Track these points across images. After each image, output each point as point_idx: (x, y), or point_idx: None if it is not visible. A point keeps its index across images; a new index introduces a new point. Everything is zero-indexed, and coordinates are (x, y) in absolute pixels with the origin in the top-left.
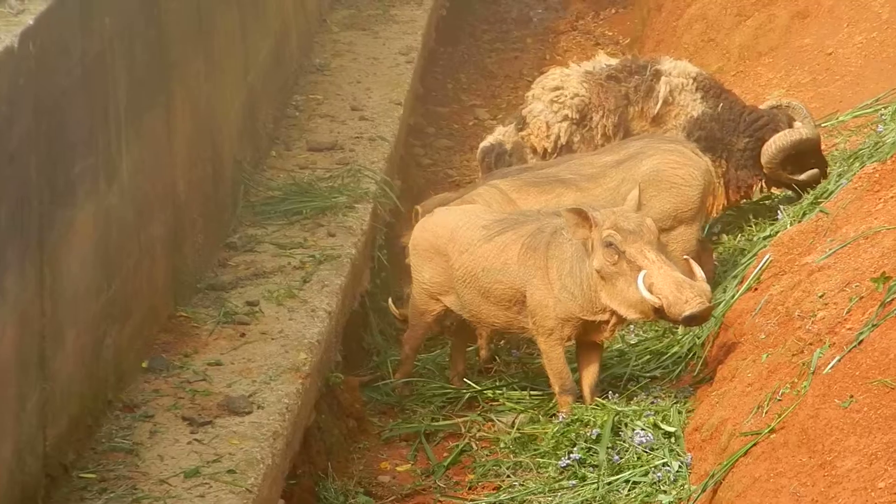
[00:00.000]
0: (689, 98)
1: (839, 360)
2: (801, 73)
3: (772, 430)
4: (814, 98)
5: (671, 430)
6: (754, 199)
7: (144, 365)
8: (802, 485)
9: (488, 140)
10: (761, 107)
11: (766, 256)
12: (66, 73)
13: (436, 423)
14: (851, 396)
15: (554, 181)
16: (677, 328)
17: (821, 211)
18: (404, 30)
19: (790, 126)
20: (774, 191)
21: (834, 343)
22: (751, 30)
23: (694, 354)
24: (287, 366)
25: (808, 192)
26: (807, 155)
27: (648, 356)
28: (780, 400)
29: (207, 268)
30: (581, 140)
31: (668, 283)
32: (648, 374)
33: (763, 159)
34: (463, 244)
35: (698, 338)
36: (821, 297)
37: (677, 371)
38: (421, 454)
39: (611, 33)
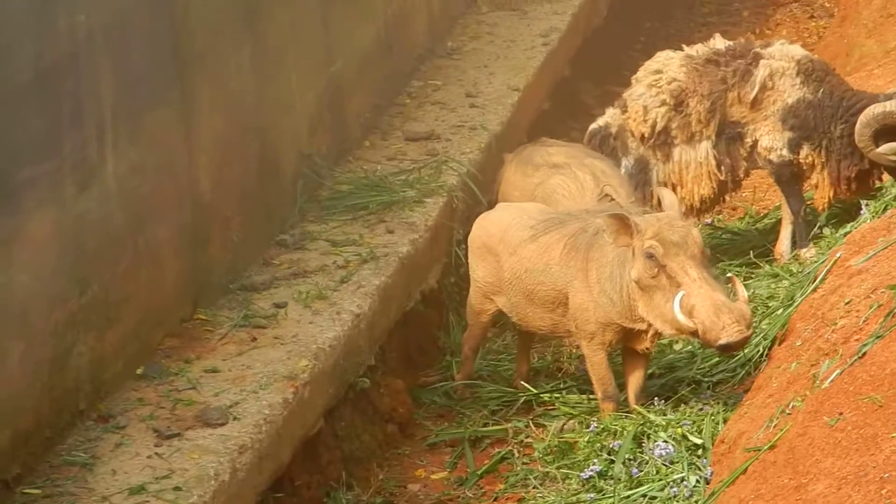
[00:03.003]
0: (789, 83)
1: (840, 374)
2: None
3: (771, 447)
4: None
5: (698, 441)
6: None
7: (139, 371)
8: None
9: (597, 122)
10: (889, 91)
11: (837, 255)
12: (8, 78)
13: (481, 429)
14: (841, 414)
15: None
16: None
17: (892, 206)
18: (555, 9)
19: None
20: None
21: (842, 354)
22: None
23: (762, 357)
24: (283, 373)
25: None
26: None
27: (717, 359)
28: (789, 414)
29: (248, 267)
30: (678, 126)
31: (706, 305)
32: (709, 379)
33: (856, 141)
34: (512, 245)
35: (766, 339)
36: (847, 303)
37: (741, 375)
38: (462, 461)
39: (829, 4)
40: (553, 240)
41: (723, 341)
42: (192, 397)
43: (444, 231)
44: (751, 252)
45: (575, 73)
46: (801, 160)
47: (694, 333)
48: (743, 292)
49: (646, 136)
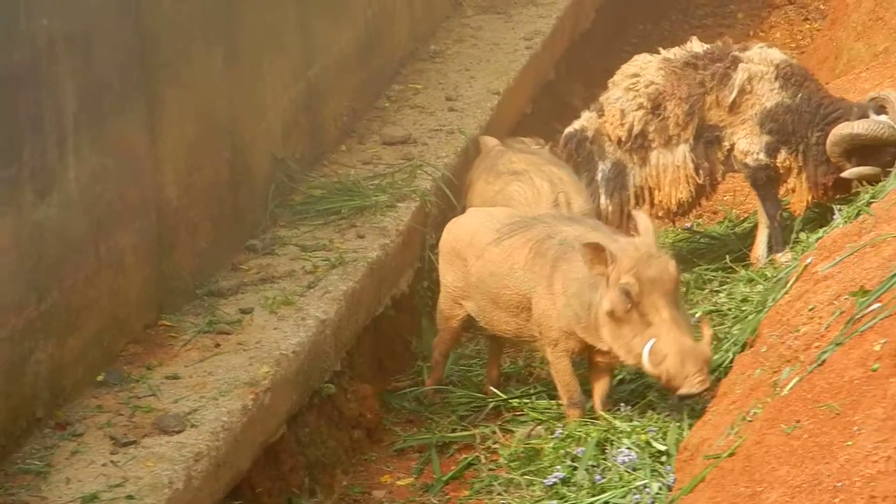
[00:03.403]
0: (767, 87)
1: (799, 381)
2: None
3: (730, 455)
4: None
5: (662, 448)
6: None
7: (100, 378)
8: None
9: (573, 125)
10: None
11: (808, 260)
12: None
13: (449, 435)
14: (798, 422)
15: None
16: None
17: (864, 212)
18: (540, 13)
19: (862, 118)
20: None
21: (803, 361)
22: None
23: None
24: (244, 380)
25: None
26: (875, 151)
27: None
28: (750, 421)
29: (216, 272)
30: (655, 130)
31: (673, 352)
32: None
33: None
34: (478, 248)
35: (736, 345)
36: (810, 310)
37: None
38: (429, 467)
39: (824, 7)
40: (518, 244)
41: (684, 391)
42: (151, 404)
43: (417, 236)
44: (727, 257)
45: (563, 76)
46: (778, 164)
47: (657, 377)
48: (708, 334)
49: (622, 139)
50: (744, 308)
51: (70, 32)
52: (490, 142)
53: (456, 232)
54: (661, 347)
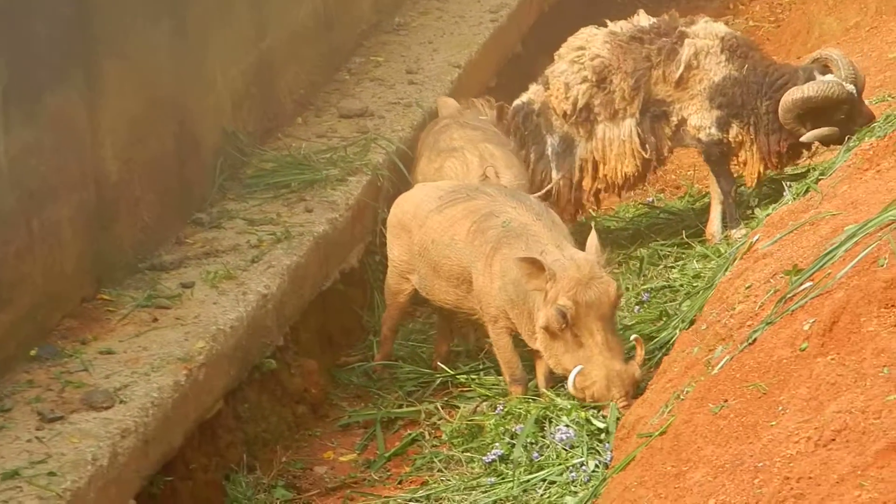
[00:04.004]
0: (714, 61)
1: (730, 360)
2: None
3: (662, 434)
4: None
5: (601, 426)
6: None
7: (33, 353)
8: (657, 496)
9: (521, 98)
10: (805, 60)
11: (755, 237)
12: None
13: (394, 411)
14: (726, 401)
15: None
16: (672, 312)
17: (812, 189)
18: None
19: (810, 80)
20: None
21: (735, 340)
22: None
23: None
24: (178, 356)
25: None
26: (829, 112)
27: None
28: (683, 400)
29: (160, 246)
30: (601, 104)
31: (600, 377)
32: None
33: (783, 124)
34: (420, 218)
35: (683, 321)
36: (748, 287)
37: (657, 357)
38: (373, 443)
39: None
40: (459, 214)
41: (605, 411)
42: (82, 380)
43: (368, 210)
44: (683, 232)
45: (531, 49)
46: (730, 139)
47: (581, 399)
48: (641, 355)
49: (567, 113)
50: (695, 284)
51: (2, 5)
52: (448, 102)
53: (402, 205)
54: (590, 372)
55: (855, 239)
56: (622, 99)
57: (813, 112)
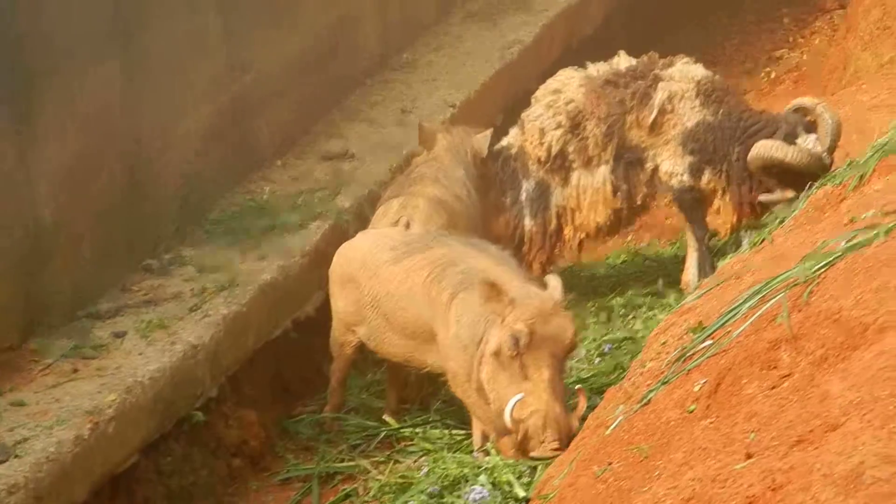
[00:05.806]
0: (689, 106)
1: (623, 420)
2: None
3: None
4: None
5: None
6: None
7: None
8: None
9: (501, 142)
10: (787, 108)
11: (706, 288)
12: None
13: (333, 465)
14: (610, 464)
15: None
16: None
17: (765, 239)
18: (527, 20)
19: (792, 137)
20: None
21: (632, 399)
22: None
23: None
24: (86, 408)
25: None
26: (801, 178)
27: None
28: (577, 461)
29: (103, 292)
30: (575, 150)
31: (540, 412)
32: None
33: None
34: (372, 268)
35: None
36: (662, 344)
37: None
38: (309, 498)
39: None
40: (417, 265)
41: (535, 454)
42: None
43: (329, 256)
44: (660, 281)
45: None
46: (702, 185)
47: (514, 432)
48: (582, 407)
49: (542, 159)
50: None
51: None
52: (430, 128)
53: (346, 254)
54: (530, 404)
55: (760, 295)
56: (595, 145)
57: (784, 171)
